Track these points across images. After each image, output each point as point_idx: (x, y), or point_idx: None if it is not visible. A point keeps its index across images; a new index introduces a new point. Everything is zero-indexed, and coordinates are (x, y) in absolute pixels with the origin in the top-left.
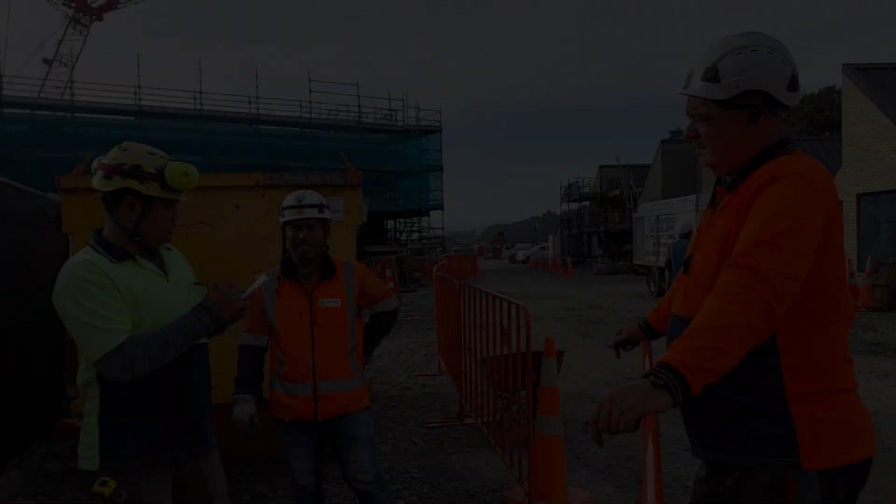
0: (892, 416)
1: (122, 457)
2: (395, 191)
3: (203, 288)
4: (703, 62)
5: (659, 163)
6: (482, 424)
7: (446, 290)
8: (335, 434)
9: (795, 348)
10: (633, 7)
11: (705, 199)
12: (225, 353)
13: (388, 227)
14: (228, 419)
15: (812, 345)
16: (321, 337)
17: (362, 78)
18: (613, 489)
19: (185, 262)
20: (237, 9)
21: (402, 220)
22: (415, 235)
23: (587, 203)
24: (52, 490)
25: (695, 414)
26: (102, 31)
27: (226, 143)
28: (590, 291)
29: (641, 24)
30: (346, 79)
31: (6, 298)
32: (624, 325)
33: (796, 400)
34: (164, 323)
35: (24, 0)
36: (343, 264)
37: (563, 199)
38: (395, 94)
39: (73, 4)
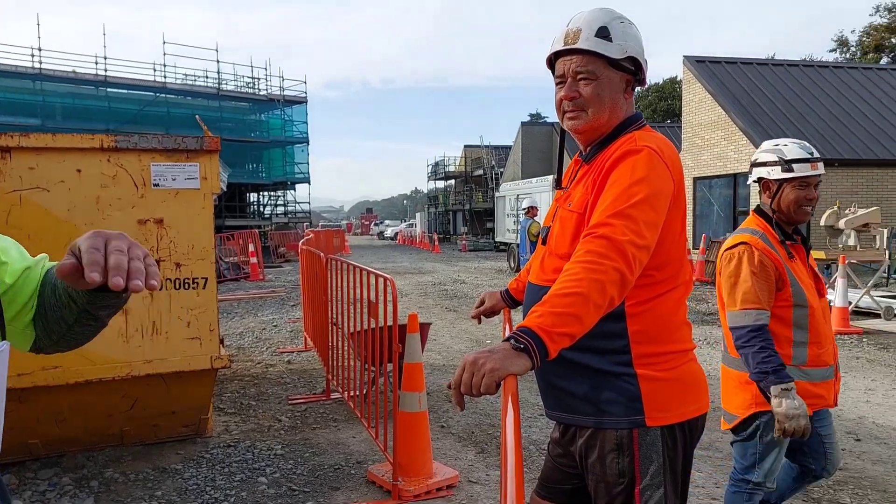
0: (719, 379)
1: None
2: (258, 163)
3: None
4: (591, 22)
5: (519, 144)
6: (349, 398)
7: (313, 264)
8: (822, 419)
9: (641, 313)
10: None
11: None
12: None
13: (251, 200)
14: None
15: (656, 310)
16: (824, 310)
17: (222, 44)
18: (475, 455)
19: None
20: None
21: (265, 194)
22: (280, 209)
23: (453, 181)
24: None
25: (549, 378)
26: None
27: (69, 107)
28: (455, 267)
29: (505, 4)
30: (205, 43)
31: None
32: (485, 295)
33: (641, 362)
34: None
35: None
36: None
37: (429, 177)
38: (257, 62)
39: None
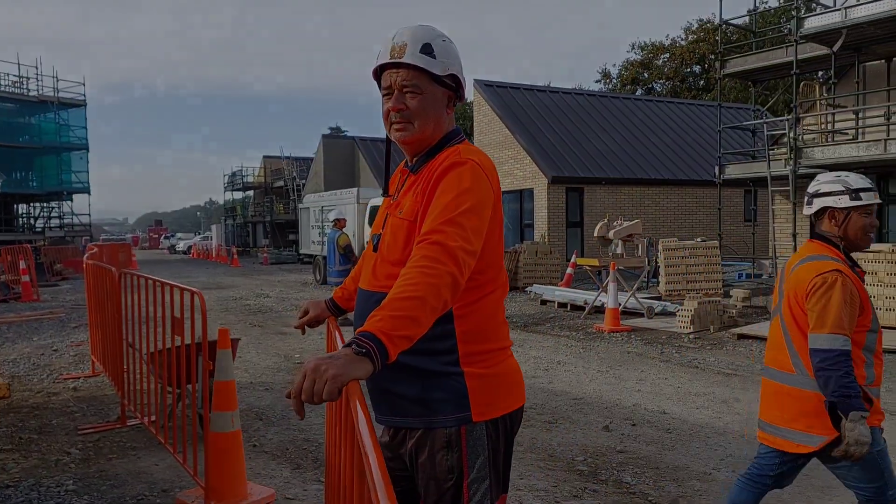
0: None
1: None
2: (29, 171)
3: None
4: (416, 38)
5: (321, 156)
6: (149, 424)
7: (102, 280)
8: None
9: (468, 314)
10: None
11: (365, 193)
12: None
13: (20, 212)
14: None
15: (480, 311)
16: None
17: None
18: (290, 472)
19: None
20: None
21: (37, 205)
22: (54, 222)
23: (252, 192)
24: None
25: (381, 383)
26: None
27: None
28: (257, 281)
29: (300, 17)
30: None
31: None
32: (308, 305)
33: (468, 360)
34: None
35: None
36: None
37: (226, 187)
38: (26, 60)
39: None
